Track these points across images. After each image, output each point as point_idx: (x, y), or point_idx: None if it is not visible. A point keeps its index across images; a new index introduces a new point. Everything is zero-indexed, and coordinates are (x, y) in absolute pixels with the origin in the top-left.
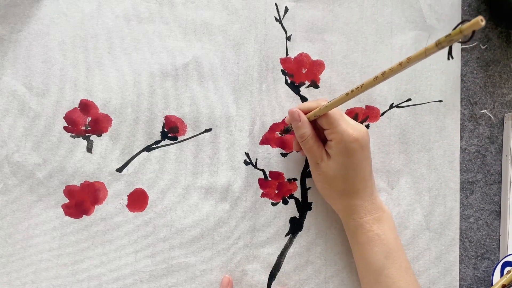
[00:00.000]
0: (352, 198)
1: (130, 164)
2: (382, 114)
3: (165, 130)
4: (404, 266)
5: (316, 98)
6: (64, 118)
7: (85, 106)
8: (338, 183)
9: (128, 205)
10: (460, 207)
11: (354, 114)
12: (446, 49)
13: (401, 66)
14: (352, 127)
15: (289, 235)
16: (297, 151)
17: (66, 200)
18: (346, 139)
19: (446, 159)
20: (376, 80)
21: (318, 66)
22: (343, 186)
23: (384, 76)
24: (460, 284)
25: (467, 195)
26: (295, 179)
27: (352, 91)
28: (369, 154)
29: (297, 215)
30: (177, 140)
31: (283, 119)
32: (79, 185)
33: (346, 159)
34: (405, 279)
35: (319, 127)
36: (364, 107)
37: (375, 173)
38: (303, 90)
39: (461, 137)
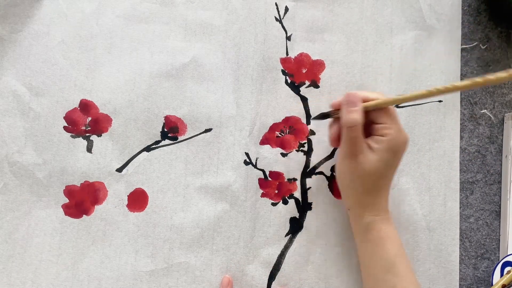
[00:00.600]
0: (373, 195)
1: (130, 164)
2: None
3: (165, 130)
4: (410, 265)
5: (316, 98)
6: (64, 118)
7: (85, 106)
8: (371, 179)
9: (128, 205)
10: (460, 207)
11: None
12: (443, 46)
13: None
14: (403, 129)
15: (289, 235)
16: (333, 144)
17: (66, 200)
18: (400, 138)
19: (446, 159)
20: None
21: (318, 66)
22: (375, 182)
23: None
24: (460, 284)
25: (467, 195)
26: (295, 179)
27: (438, 89)
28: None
29: (297, 215)
30: (177, 140)
31: (283, 119)
32: (79, 185)
33: (392, 157)
34: (410, 278)
35: (370, 120)
36: None
37: None
38: (303, 90)
39: (461, 137)
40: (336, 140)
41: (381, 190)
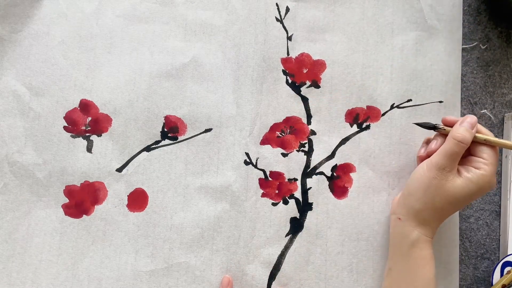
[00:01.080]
0: (435, 216)
1: (130, 164)
2: (383, 114)
3: (165, 130)
4: None
5: (317, 98)
6: (64, 118)
7: (85, 106)
8: (445, 200)
9: (128, 205)
10: None
11: (355, 114)
12: (444, 46)
13: None
14: (495, 175)
15: (290, 235)
16: (422, 158)
17: (66, 200)
18: (491, 180)
19: None
20: None
21: (319, 66)
22: (446, 205)
23: None
24: (460, 284)
25: None
26: (295, 179)
27: None
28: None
29: (297, 215)
30: (177, 140)
31: (284, 119)
32: (79, 185)
33: (474, 192)
34: None
35: (470, 152)
36: (365, 107)
37: (375, 173)
38: (304, 90)
39: None
40: (429, 156)
41: (444, 215)
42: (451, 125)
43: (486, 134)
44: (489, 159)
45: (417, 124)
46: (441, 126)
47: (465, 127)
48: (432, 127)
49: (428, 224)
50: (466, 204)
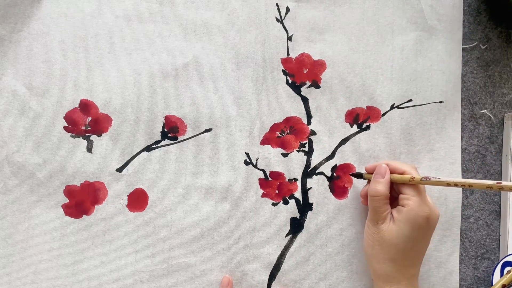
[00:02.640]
0: (393, 267)
1: (130, 164)
2: (383, 114)
3: (165, 130)
4: None
5: (317, 98)
6: (64, 118)
7: (85, 106)
8: (390, 249)
9: (128, 205)
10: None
11: (355, 114)
12: (444, 47)
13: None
14: (428, 204)
15: (290, 235)
16: (363, 203)
17: (66, 200)
18: (419, 211)
19: (447, 160)
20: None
21: (319, 66)
22: (393, 255)
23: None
24: (460, 284)
25: (467, 195)
26: (295, 179)
27: (456, 184)
28: (430, 239)
29: (297, 215)
30: (177, 140)
31: (284, 119)
32: (79, 185)
33: (410, 231)
34: None
35: (396, 189)
36: (365, 108)
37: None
38: (304, 90)
39: (461, 137)
40: (366, 201)
41: (401, 263)
42: (372, 172)
43: (405, 170)
44: (411, 192)
45: (351, 174)
46: (365, 175)
47: (375, 179)
48: (360, 175)
49: (392, 277)
50: (415, 241)
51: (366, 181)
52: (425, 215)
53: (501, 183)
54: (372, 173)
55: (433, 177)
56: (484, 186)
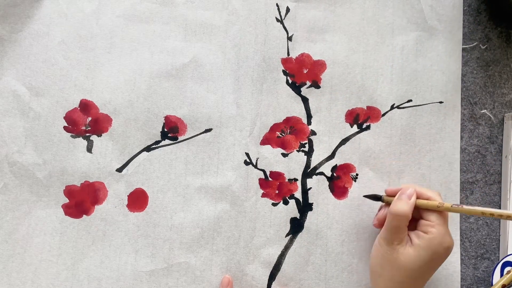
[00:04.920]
0: None
1: (130, 164)
2: (383, 114)
3: (165, 130)
4: None
5: (317, 98)
6: (64, 118)
7: (85, 106)
8: (403, 272)
9: (128, 205)
10: None
11: (355, 114)
12: (444, 47)
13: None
14: (449, 235)
15: (290, 236)
16: (376, 226)
17: (66, 200)
18: (442, 241)
19: (447, 160)
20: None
21: (319, 66)
22: (406, 278)
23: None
24: (460, 285)
25: (467, 195)
26: (296, 179)
27: (492, 214)
28: (438, 267)
29: (297, 215)
30: (177, 140)
31: (284, 119)
32: (79, 185)
33: (429, 258)
34: None
35: (418, 214)
36: (365, 108)
37: (376, 174)
38: (304, 90)
39: (461, 137)
40: (381, 223)
41: (407, 287)
42: (393, 195)
43: (431, 196)
44: (436, 220)
45: (365, 196)
46: (385, 198)
47: (402, 199)
48: (379, 198)
49: None
50: (430, 268)
51: (382, 204)
52: (447, 245)
53: None
54: (392, 196)
55: (465, 205)
56: None
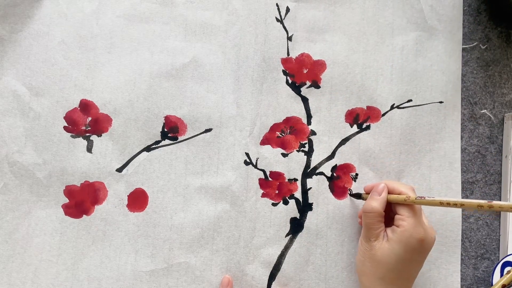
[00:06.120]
0: (383, 286)
1: (130, 164)
2: (383, 114)
3: (165, 130)
4: None
5: (317, 98)
6: (64, 118)
7: (85, 106)
8: (381, 268)
9: (128, 205)
10: None
11: (355, 114)
12: (444, 47)
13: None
14: (423, 227)
15: (290, 236)
16: (360, 223)
17: (66, 200)
18: (413, 233)
19: (447, 160)
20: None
21: (319, 66)
22: (385, 273)
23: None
24: (460, 285)
25: (467, 195)
26: (295, 179)
27: (448, 203)
28: (423, 261)
29: (297, 215)
30: (177, 140)
31: (284, 119)
32: (79, 185)
33: (402, 251)
34: None
35: (393, 209)
36: (365, 108)
37: (376, 174)
38: (304, 90)
39: (461, 137)
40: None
41: (391, 283)
42: (370, 192)
43: (403, 191)
44: (406, 213)
45: (350, 195)
46: (363, 195)
47: (372, 196)
48: (359, 195)
49: None
50: (408, 262)
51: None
52: (419, 237)
53: (492, 202)
54: (369, 193)
55: (428, 197)
56: (474, 206)
